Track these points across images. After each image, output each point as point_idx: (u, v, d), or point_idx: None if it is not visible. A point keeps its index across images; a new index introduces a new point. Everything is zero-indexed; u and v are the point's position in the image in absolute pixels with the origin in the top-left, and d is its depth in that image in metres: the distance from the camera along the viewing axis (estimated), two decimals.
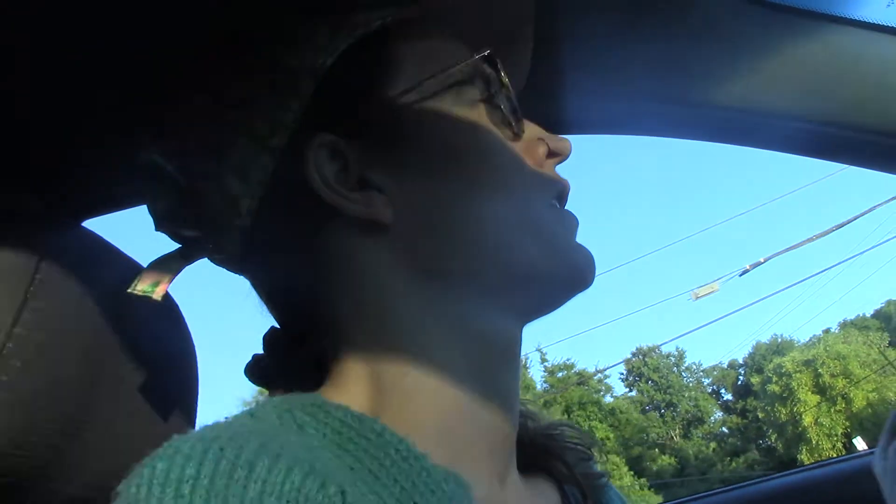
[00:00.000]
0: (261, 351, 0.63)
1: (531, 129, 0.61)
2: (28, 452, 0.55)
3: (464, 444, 0.52)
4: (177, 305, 0.73)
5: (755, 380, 33.70)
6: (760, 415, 31.83)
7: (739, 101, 0.85)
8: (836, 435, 25.89)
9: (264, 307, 0.63)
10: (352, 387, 0.52)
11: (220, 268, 0.62)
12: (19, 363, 0.55)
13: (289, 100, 0.54)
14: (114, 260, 0.71)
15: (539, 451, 0.64)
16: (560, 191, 0.61)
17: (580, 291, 0.59)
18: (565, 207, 0.62)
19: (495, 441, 0.54)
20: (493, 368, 0.55)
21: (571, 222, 0.60)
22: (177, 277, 0.58)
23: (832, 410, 26.50)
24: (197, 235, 0.59)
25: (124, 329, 0.65)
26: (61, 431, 0.58)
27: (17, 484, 0.55)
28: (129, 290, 0.55)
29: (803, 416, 27.28)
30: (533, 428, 0.66)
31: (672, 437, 34.66)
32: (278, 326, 0.63)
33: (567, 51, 0.82)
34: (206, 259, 0.61)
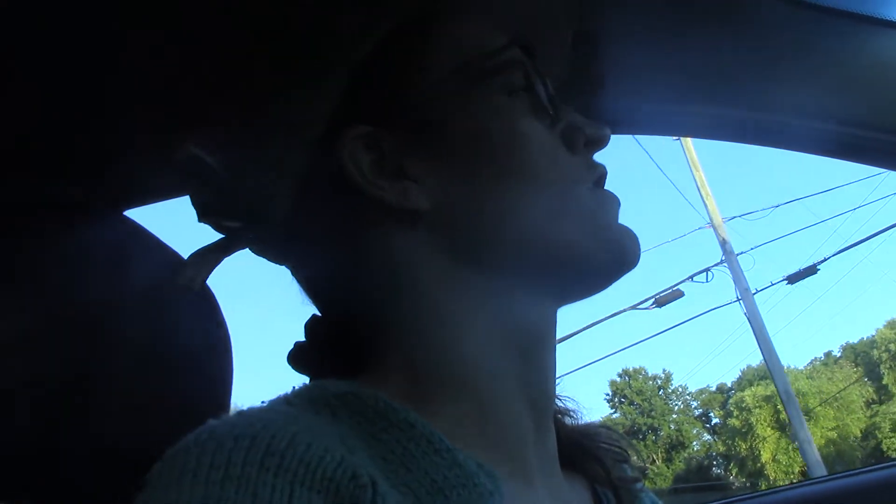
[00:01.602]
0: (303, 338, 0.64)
1: (570, 116, 0.60)
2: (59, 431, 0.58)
3: (500, 433, 0.52)
4: (213, 294, 0.74)
5: (717, 413, 33.89)
6: (721, 448, 31.97)
7: (773, 102, 0.89)
8: (794, 473, 26.09)
9: (305, 296, 0.63)
10: (388, 376, 0.52)
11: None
12: (55, 345, 0.58)
13: (325, 91, 0.55)
14: (153, 249, 0.73)
15: (575, 450, 0.63)
16: (598, 177, 0.60)
17: (625, 272, 0.57)
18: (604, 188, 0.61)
19: (531, 429, 0.54)
20: (531, 354, 0.55)
21: (612, 202, 0.59)
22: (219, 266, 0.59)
23: (790, 448, 26.74)
24: (238, 227, 0.59)
25: (161, 316, 0.67)
26: (93, 413, 0.61)
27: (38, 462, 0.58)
28: (170, 280, 0.57)
29: (762, 452, 27.49)
30: (570, 426, 0.66)
31: (654, 461, 34.50)
32: (319, 314, 0.63)
33: (603, 49, 0.83)
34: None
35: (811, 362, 34.58)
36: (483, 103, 0.56)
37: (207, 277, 0.59)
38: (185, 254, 0.60)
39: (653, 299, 12.90)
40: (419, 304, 0.54)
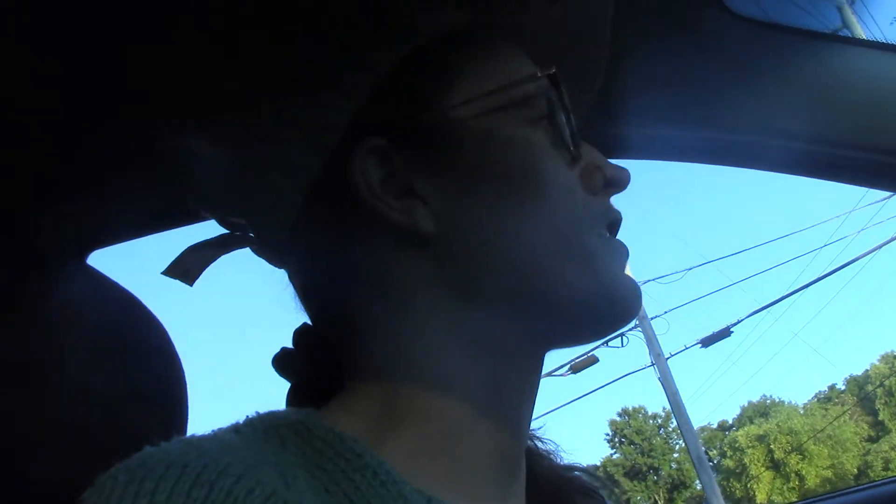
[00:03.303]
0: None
1: (590, 154, 0.58)
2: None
3: (469, 468, 0.50)
4: (165, 331, 0.75)
5: (712, 454, 33.74)
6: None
7: (751, 123, 0.89)
8: None
9: (298, 303, 0.62)
10: (358, 401, 0.51)
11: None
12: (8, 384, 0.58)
13: (344, 101, 0.54)
14: (113, 296, 0.73)
15: (550, 493, 0.62)
16: (611, 221, 0.58)
17: (621, 327, 0.57)
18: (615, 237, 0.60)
19: (501, 467, 0.53)
20: (512, 393, 0.54)
21: (621, 252, 0.57)
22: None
23: (785, 487, 26.61)
24: (242, 223, 0.59)
25: (116, 355, 0.68)
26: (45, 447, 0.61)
27: None
28: (162, 273, 0.56)
29: (756, 493, 27.33)
30: (549, 466, 0.64)
31: (656, 502, 34.20)
32: (310, 323, 0.62)
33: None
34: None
35: (815, 396, 34.64)
36: (503, 133, 0.55)
37: (201, 273, 0.57)
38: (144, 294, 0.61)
39: (568, 366, 12.94)
40: (405, 330, 0.53)
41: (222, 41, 0.61)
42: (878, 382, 27.38)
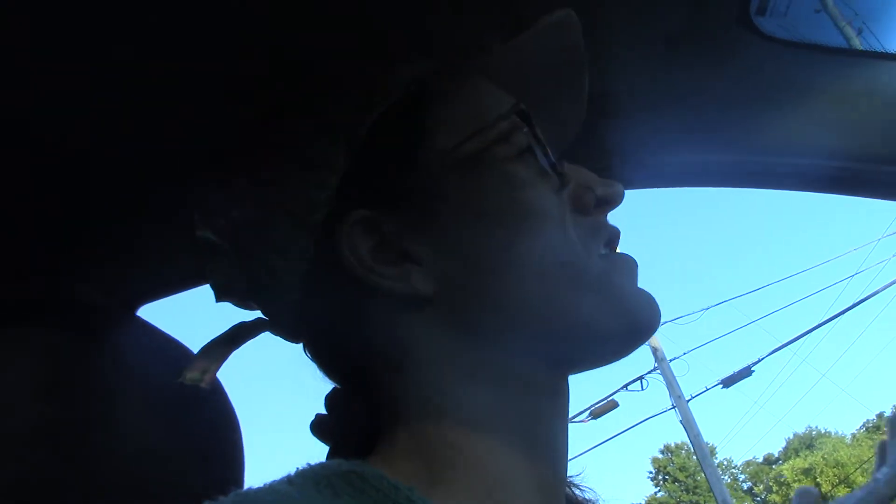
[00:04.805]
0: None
1: (579, 175, 0.58)
2: None
3: None
4: (222, 387, 0.75)
5: (757, 489, 32.71)
6: None
7: (779, 143, 0.89)
8: None
9: (322, 372, 0.63)
10: (397, 455, 0.51)
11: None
12: (66, 447, 0.58)
13: (324, 177, 0.54)
14: (164, 346, 0.74)
15: None
16: (608, 238, 0.58)
17: (643, 340, 0.56)
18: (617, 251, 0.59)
19: (546, 500, 0.53)
20: (543, 421, 0.54)
21: (628, 266, 0.57)
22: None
23: None
24: (255, 307, 0.60)
25: (172, 412, 0.67)
26: None
27: None
28: (178, 380, 0.56)
29: None
30: None
31: None
32: (339, 387, 0.63)
33: (603, 105, 0.83)
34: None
35: (863, 425, 33.55)
36: (485, 175, 0.55)
37: (217, 372, 0.58)
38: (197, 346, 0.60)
39: (588, 411, 12.75)
40: (425, 383, 0.53)
41: (201, 134, 0.64)
42: None
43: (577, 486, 0.64)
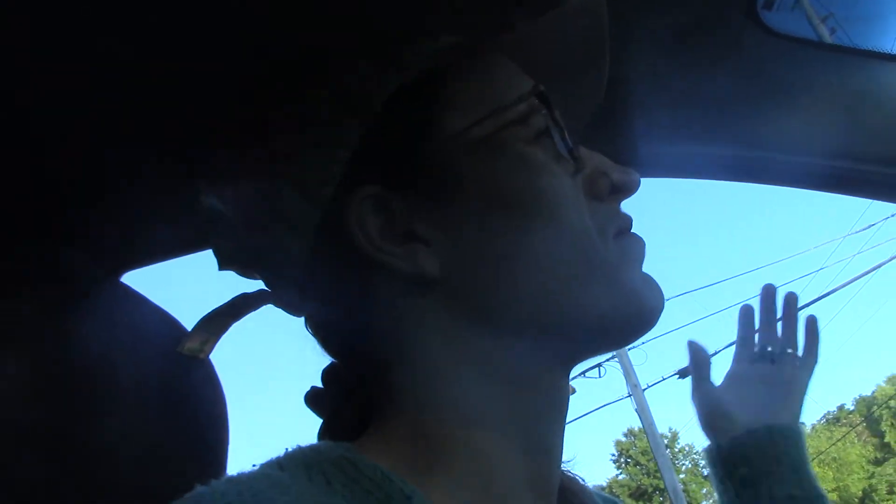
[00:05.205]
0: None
1: (595, 161, 0.58)
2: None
3: (506, 502, 0.50)
4: (209, 360, 0.74)
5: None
6: None
7: (768, 138, 0.90)
8: None
9: (321, 347, 0.62)
10: (392, 439, 0.51)
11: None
12: (50, 414, 0.57)
13: (336, 151, 0.53)
14: (150, 315, 0.72)
15: None
16: (621, 227, 0.57)
17: (646, 331, 0.55)
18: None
19: (539, 496, 0.52)
20: (541, 415, 0.53)
21: (636, 247, 0.57)
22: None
23: None
24: (258, 277, 0.60)
25: (157, 382, 0.66)
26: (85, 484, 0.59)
27: None
28: (177, 350, 0.55)
29: None
30: (581, 500, 0.63)
31: None
32: (336, 362, 0.62)
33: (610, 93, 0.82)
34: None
35: (823, 416, 34.30)
36: (500, 157, 0.54)
37: (216, 344, 0.56)
38: (183, 314, 0.60)
39: None
40: (425, 368, 0.52)
41: (208, 102, 0.62)
42: (883, 404, 27.13)
43: (566, 472, 0.63)
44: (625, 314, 0.53)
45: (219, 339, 0.56)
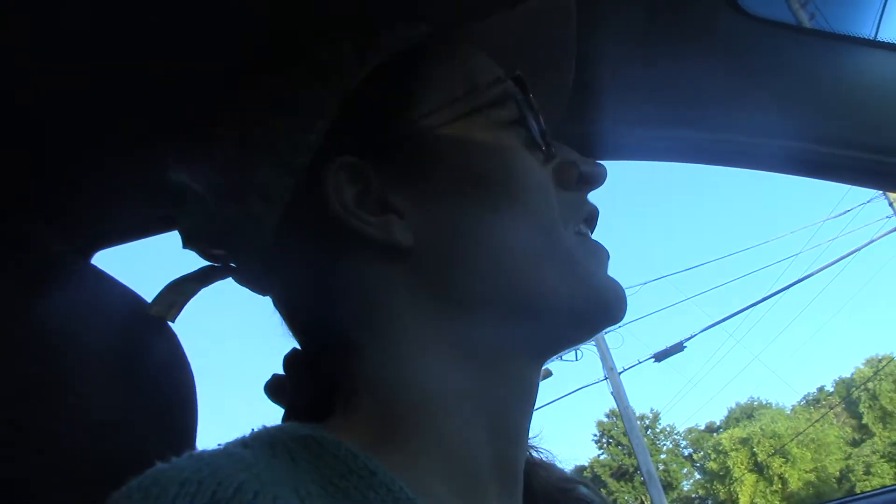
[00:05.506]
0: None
1: (564, 152, 0.59)
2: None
3: (472, 480, 0.50)
4: (176, 337, 0.73)
5: (696, 456, 33.88)
6: (701, 492, 31.90)
7: (744, 122, 0.89)
8: None
9: (286, 328, 0.62)
10: (356, 419, 0.51)
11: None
12: (13, 389, 0.56)
13: (313, 121, 0.54)
14: (118, 295, 0.71)
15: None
16: (588, 216, 0.59)
17: (605, 328, 0.57)
18: (593, 237, 0.60)
19: (504, 475, 0.53)
20: (508, 400, 0.54)
21: (600, 254, 0.58)
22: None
23: (768, 490, 26.76)
24: (223, 254, 0.59)
25: (124, 360, 0.65)
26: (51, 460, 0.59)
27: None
28: (146, 311, 0.55)
29: (740, 496, 27.47)
30: (545, 478, 0.64)
31: (643, 503, 34.23)
32: (299, 348, 0.62)
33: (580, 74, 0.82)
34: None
35: (804, 398, 34.78)
36: (474, 139, 0.55)
37: (183, 308, 0.56)
38: (150, 295, 0.58)
39: None
40: (394, 342, 0.52)
41: (184, 70, 0.61)
42: (861, 386, 27.59)
43: (535, 448, 0.64)
44: (581, 304, 0.54)
45: (186, 303, 0.56)
